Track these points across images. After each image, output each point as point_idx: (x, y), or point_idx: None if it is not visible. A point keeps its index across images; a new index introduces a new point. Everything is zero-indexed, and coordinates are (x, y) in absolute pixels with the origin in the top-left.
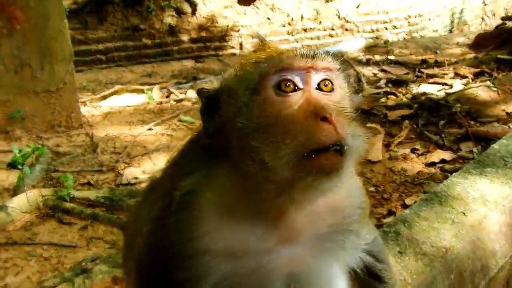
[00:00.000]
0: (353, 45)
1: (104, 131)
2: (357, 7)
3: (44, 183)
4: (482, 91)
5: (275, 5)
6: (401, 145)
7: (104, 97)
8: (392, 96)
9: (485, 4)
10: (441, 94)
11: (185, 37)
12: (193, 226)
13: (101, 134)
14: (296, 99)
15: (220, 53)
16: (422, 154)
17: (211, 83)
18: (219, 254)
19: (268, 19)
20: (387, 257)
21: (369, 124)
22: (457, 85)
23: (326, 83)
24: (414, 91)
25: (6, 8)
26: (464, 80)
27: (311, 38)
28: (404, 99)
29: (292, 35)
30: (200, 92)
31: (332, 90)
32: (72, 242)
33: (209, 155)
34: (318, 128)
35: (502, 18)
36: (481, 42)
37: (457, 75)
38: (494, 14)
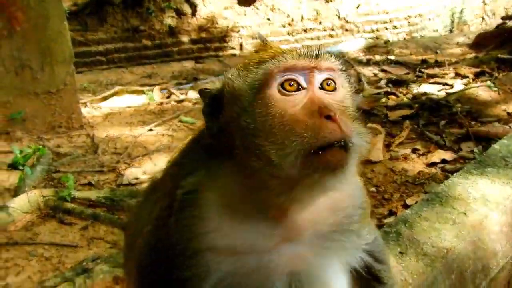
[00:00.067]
0: (353, 45)
1: (104, 132)
2: (357, 7)
3: (45, 184)
4: (482, 91)
5: (275, 6)
6: (401, 145)
7: (105, 98)
8: (393, 96)
9: (485, 4)
10: (442, 94)
11: (185, 38)
12: (195, 224)
13: (101, 134)
14: (300, 98)
15: (220, 54)
16: (423, 154)
17: (213, 83)
18: (221, 253)
19: (268, 19)
20: (387, 258)
21: (369, 124)
22: (458, 85)
23: (329, 82)
24: (414, 91)
25: (7, 9)
26: (465, 80)
27: (311, 39)
28: (405, 99)
29: (292, 35)
30: (202, 92)
31: (334, 89)
32: (73, 242)
33: (211, 155)
34: (322, 126)
35: (503, 18)
36: (481, 41)
37: (457, 75)
38: (494, 14)
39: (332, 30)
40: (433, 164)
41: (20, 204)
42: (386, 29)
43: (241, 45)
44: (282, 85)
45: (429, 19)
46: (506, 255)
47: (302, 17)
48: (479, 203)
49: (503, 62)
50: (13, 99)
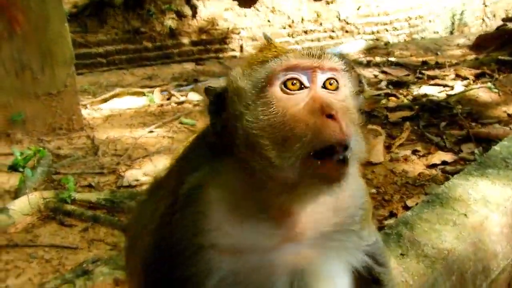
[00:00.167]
0: (353, 47)
1: (105, 134)
2: (358, 9)
3: (45, 186)
4: (483, 92)
5: (275, 7)
6: (402, 147)
7: (105, 100)
8: (393, 98)
9: (486, 6)
10: (442, 95)
11: (185, 40)
12: (199, 221)
13: (102, 136)
14: (302, 97)
15: (221, 55)
16: (423, 156)
17: (218, 81)
18: (224, 251)
19: (269, 21)
20: (388, 261)
21: (370, 126)
22: (458, 86)
23: (332, 82)
24: (415, 93)
25: (7, 11)
26: (465, 82)
27: (312, 40)
28: (405, 101)
29: (293, 37)
30: (207, 90)
31: (337, 89)
32: (73, 244)
33: (215, 152)
34: (324, 125)
35: (503, 19)
36: (481, 43)
37: (458, 76)
38: (494, 15)
39: (333, 31)
40: (433, 166)
41: (21, 206)
42: (387, 30)
43: (241, 46)
44: (285, 84)
45: (430, 21)
46: (507, 256)
47: (302, 19)
48: (479, 205)
49: (504, 64)
50: (13, 100)
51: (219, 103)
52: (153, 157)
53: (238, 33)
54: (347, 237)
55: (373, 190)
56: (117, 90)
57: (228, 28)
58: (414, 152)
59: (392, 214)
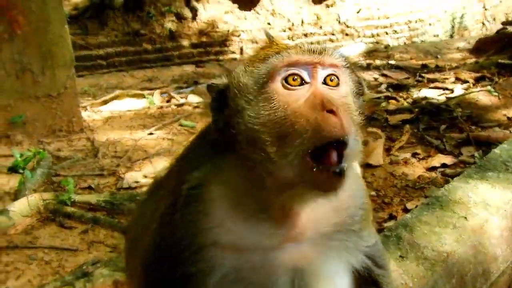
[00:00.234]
0: (353, 50)
1: (105, 136)
2: (358, 12)
3: (45, 187)
4: (483, 95)
5: (275, 10)
6: (402, 150)
7: (105, 102)
8: (393, 101)
9: (486, 9)
10: (442, 98)
11: (185, 42)
12: (200, 219)
13: (102, 138)
14: (303, 93)
15: (221, 58)
16: (423, 159)
17: (220, 79)
18: (225, 248)
19: (269, 24)
20: (387, 263)
21: (370, 129)
22: (458, 89)
23: (332, 78)
24: (415, 96)
25: (8, 12)
26: (465, 85)
27: (312, 43)
28: (405, 104)
29: (293, 40)
30: (209, 87)
31: (337, 85)
32: (73, 246)
33: (216, 150)
34: (324, 120)
35: (503, 23)
36: (481, 46)
37: (457, 79)
38: (494, 19)
39: (333, 34)
40: (433, 169)
41: (20, 207)
42: (387, 33)
43: (241, 49)
44: (286, 79)
45: (430, 24)
46: (507, 259)
47: (302, 22)
48: (479, 208)
49: (503, 67)
50: (13, 102)
51: (221, 100)
52: (153, 159)
53: (238, 36)
54: (347, 237)
55: (373, 193)
56: (117, 92)
57: (228, 31)
58: (414, 155)
59: (391, 217)
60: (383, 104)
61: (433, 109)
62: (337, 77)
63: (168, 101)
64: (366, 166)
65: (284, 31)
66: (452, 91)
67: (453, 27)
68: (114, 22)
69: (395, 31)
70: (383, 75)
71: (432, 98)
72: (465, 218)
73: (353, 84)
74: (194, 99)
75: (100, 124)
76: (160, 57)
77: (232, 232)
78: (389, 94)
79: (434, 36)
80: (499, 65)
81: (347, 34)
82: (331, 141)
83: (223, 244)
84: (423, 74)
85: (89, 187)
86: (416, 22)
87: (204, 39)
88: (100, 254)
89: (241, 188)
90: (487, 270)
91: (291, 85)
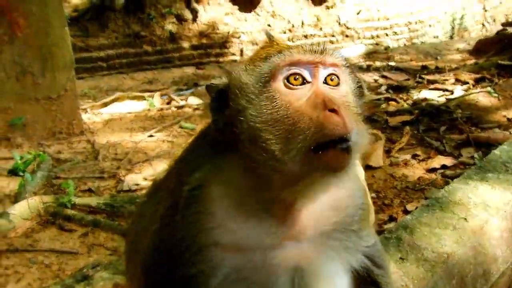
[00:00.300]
0: (353, 51)
1: (105, 138)
2: (358, 14)
3: (45, 190)
4: (483, 97)
5: (275, 12)
6: (402, 151)
7: (105, 104)
8: (393, 102)
9: (486, 10)
10: (442, 100)
11: (186, 44)
12: (201, 220)
13: (102, 140)
14: (304, 92)
15: (221, 59)
16: (423, 160)
17: (220, 78)
18: (227, 248)
19: (269, 25)
20: (386, 264)
21: (370, 130)
22: (458, 91)
23: (333, 77)
24: (414, 97)
25: (8, 14)
26: (465, 86)
27: (313, 43)
28: (405, 105)
29: (293, 41)
30: (209, 87)
31: (338, 84)
32: (73, 249)
33: (216, 150)
34: (327, 119)
35: (503, 24)
36: (481, 48)
37: (457, 81)
38: (494, 20)
39: (333, 36)
40: (433, 170)
41: (20, 210)
42: (387, 35)
43: (241, 51)
44: (287, 79)
45: (430, 25)
46: (507, 260)
47: (302, 23)
48: (479, 209)
49: (503, 68)
50: (13, 104)
51: (221, 100)
52: (153, 161)
53: (239, 37)
54: (346, 236)
55: (373, 195)
56: (117, 94)
57: (228, 32)
58: (414, 156)
59: (392, 219)
60: (383, 105)
61: (433, 110)
62: (337, 77)
63: (168, 103)
64: (366, 167)
65: (284, 32)
66: (452, 92)
67: (453, 28)
68: (115, 24)
69: (395, 32)
70: (383, 76)
71: (432, 100)
72: (465, 219)
73: (353, 84)
74: (194, 101)
75: (100, 126)
76: (161, 59)
77: (234, 232)
78: (389, 95)
79: (434, 37)
80: (499, 66)
81: (347, 36)
82: (334, 139)
83: (224, 244)
84: (423, 76)
85: (89, 190)
86: (416, 23)
87: (204, 41)
88: (100, 257)
89: (242, 187)
90: (487, 271)
91: (293, 84)
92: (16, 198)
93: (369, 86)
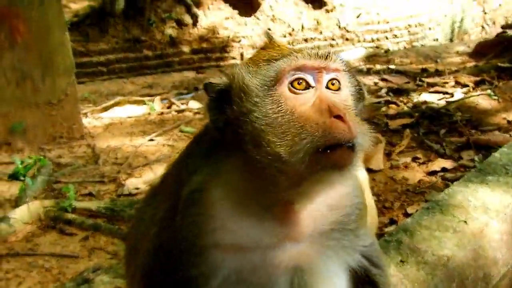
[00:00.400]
0: (353, 55)
1: (105, 142)
2: (358, 17)
3: (46, 194)
4: (482, 99)
5: (275, 16)
6: (402, 154)
7: (106, 109)
8: (393, 105)
9: (485, 13)
10: (442, 102)
11: (186, 48)
12: (201, 222)
13: (102, 145)
14: (308, 97)
15: (221, 63)
16: (423, 163)
17: (219, 78)
18: (227, 250)
19: (269, 29)
20: (384, 264)
21: (371, 133)
22: (458, 93)
23: (334, 82)
24: (415, 100)
25: (9, 20)
26: (465, 89)
27: (314, 48)
28: (405, 108)
29: (293, 45)
30: (208, 86)
31: (339, 89)
32: (74, 253)
33: (215, 151)
34: (333, 126)
35: (502, 27)
36: (481, 50)
37: (457, 83)
38: (494, 23)
39: (333, 39)
40: (433, 173)
41: (21, 214)
42: (387, 38)
43: (242, 55)
44: (291, 83)
45: (429, 28)
46: (507, 263)
47: (302, 27)
48: (479, 211)
49: (503, 71)
50: (14, 109)
51: (221, 99)
52: (153, 165)
53: (239, 41)
54: (344, 235)
55: (374, 198)
56: (118, 98)
57: (228, 37)
58: (414, 159)
59: (392, 222)
60: (383, 108)
61: (433, 113)
62: (339, 81)
63: (168, 107)
64: (366, 171)
65: (285, 36)
66: (452, 95)
67: (452, 31)
68: (115, 29)
69: (395, 35)
70: (383, 79)
71: (432, 102)
72: (465, 222)
73: (353, 87)
74: (194, 105)
75: (101, 130)
76: (161, 64)
77: (234, 233)
78: (389, 98)
79: (434, 40)
80: (498, 69)
81: (347, 39)
82: (339, 144)
83: (225, 246)
84: (423, 79)
85: (90, 194)
86: (416, 26)
87: (204, 45)
88: (100, 261)
89: (242, 188)
90: (487, 274)
91: (297, 89)
92: (16, 202)
93: (369, 89)
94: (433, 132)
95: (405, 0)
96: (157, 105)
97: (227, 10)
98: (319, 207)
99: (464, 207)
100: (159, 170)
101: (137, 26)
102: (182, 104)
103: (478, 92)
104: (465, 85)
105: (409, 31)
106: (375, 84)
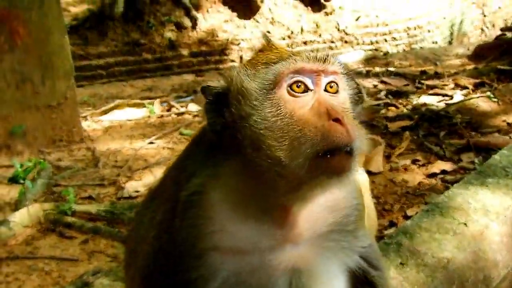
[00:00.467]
0: (352, 57)
1: (105, 145)
2: (357, 20)
3: (46, 197)
4: (482, 101)
5: (275, 19)
6: (402, 156)
7: (105, 112)
8: (393, 108)
9: (484, 15)
10: (442, 105)
11: (185, 51)
12: (200, 225)
13: (102, 148)
14: (307, 100)
15: (221, 66)
16: (423, 165)
17: (216, 80)
18: (226, 252)
19: (268, 32)
20: (383, 266)
21: (369, 136)
22: (457, 96)
23: (332, 85)
24: (414, 102)
25: (8, 23)
26: (464, 91)
27: (313, 51)
28: (405, 110)
29: (292, 48)
30: (205, 88)
31: (337, 91)
32: (74, 256)
33: (213, 153)
34: (332, 129)
35: (502, 29)
36: (481, 53)
37: (457, 86)
38: (493, 25)
39: (332, 42)
40: (433, 175)
41: (21, 218)
42: (386, 41)
43: (241, 57)
44: (290, 86)
45: (429, 31)
46: (507, 265)
47: (301, 30)
48: (479, 214)
49: (503, 73)
50: (14, 112)
51: (219, 102)
52: (153, 168)
53: (238, 44)
54: (343, 237)
55: (373, 200)
56: (117, 101)
57: (227, 40)
58: (414, 161)
59: (392, 224)
60: (383, 111)
61: (432, 115)
62: (337, 84)
63: (168, 110)
64: (366, 173)
65: (284, 39)
66: (451, 97)
67: (452, 33)
68: (114, 32)
69: (394, 38)
70: (383, 82)
71: (432, 105)
72: (465, 224)
73: (351, 90)
74: (194, 108)
75: (100, 133)
76: (160, 67)
77: (233, 235)
78: (388, 101)
79: (433, 42)
80: (498, 71)
81: (346, 42)
82: (338, 147)
83: (224, 248)
84: (423, 81)
85: (90, 197)
86: (415, 29)
87: (203, 48)
88: (100, 264)
89: (241, 191)
90: (487, 276)
91: (296, 92)
92: (16, 205)
93: (369, 91)
94: (433, 134)
95: (404, 2)
96: (157, 108)
97: (226, 13)
98: (318, 209)
99: (464, 209)
100: (159, 173)
101: (137, 29)
102: (181, 107)
103: (478, 95)
104: (464, 87)
105: (408, 34)
106: (375, 86)
